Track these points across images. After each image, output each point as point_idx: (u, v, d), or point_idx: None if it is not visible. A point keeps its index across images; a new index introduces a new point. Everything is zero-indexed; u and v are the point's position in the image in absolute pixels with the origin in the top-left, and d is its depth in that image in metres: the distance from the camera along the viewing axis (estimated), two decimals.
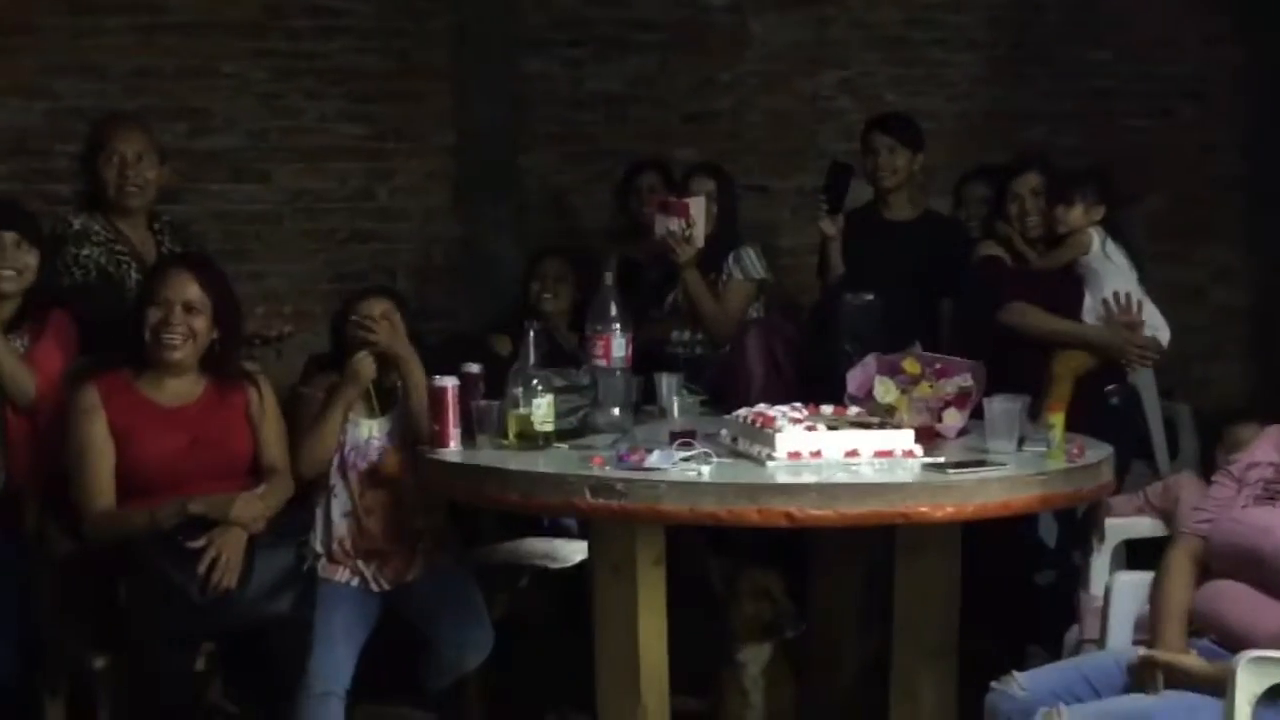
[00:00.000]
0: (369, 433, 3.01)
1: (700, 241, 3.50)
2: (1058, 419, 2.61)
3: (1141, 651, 2.20)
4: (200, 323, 2.75)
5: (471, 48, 4.51)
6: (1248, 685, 1.97)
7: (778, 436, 2.47)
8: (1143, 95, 4.97)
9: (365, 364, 2.94)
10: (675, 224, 3.46)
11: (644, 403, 3.14)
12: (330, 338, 3.16)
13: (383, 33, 4.45)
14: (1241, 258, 5.05)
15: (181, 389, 2.80)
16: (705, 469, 2.42)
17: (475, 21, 4.53)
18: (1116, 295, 3.41)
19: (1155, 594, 2.31)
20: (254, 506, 2.66)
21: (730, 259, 3.59)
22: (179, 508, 2.62)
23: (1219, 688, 2.02)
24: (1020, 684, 2.24)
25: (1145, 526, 3.03)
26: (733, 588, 2.92)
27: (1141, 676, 2.16)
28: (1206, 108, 5.01)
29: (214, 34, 4.32)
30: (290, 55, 4.38)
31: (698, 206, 3.49)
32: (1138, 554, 3.07)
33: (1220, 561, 2.25)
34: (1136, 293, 3.48)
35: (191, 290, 2.74)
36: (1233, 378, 4.94)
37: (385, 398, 3.02)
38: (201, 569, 2.54)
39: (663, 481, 2.35)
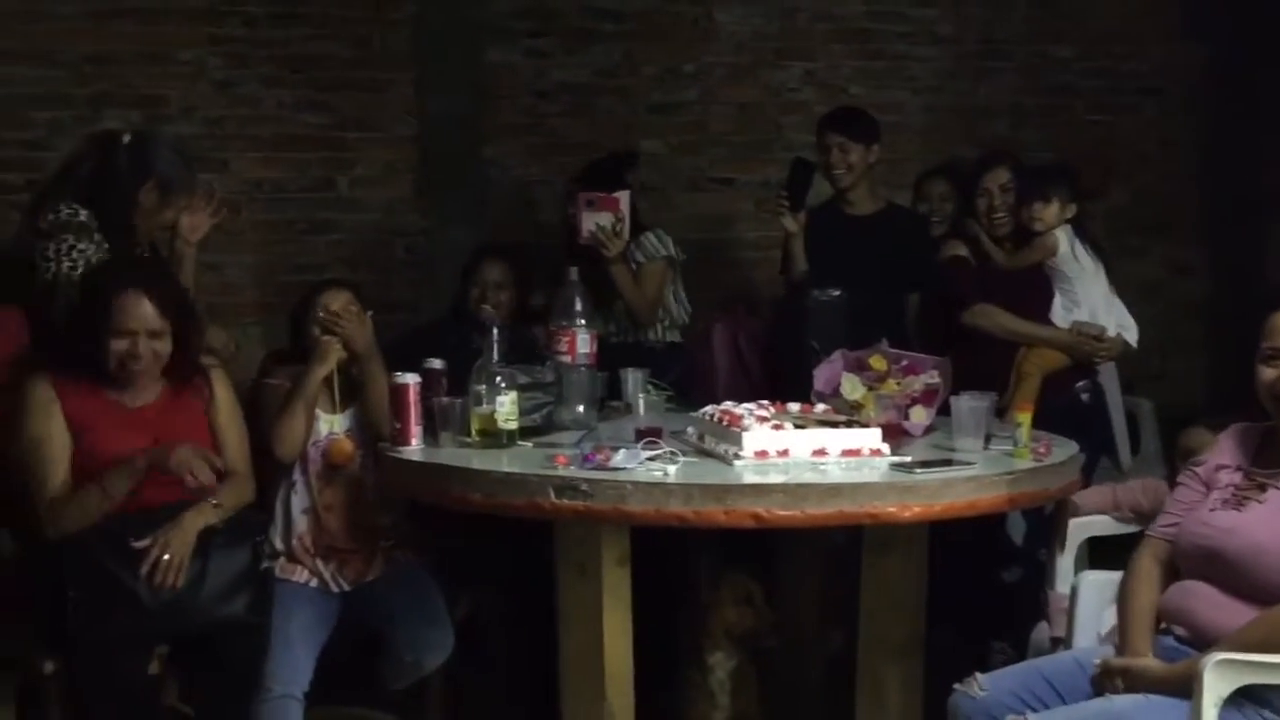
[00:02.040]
0: (330, 428, 2.96)
1: (628, 234, 3.54)
2: (1025, 417, 2.60)
3: (1097, 660, 2.20)
4: (163, 345, 2.68)
5: (432, 37, 4.45)
6: (1215, 687, 1.97)
7: (745, 435, 2.45)
8: (1104, 91, 4.99)
9: (334, 347, 2.89)
10: (606, 219, 3.51)
11: (610, 398, 3.12)
12: (289, 331, 3.11)
13: (341, 20, 4.37)
14: (1199, 253, 5.09)
15: (142, 388, 2.73)
16: (671, 469, 2.39)
17: (436, 10, 4.46)
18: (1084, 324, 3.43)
19: (1122, 597, 2.31)
20: (195, 456, 2.59)
21: (631, 248, 3.64)
22: (127, 469, 2.57)
23: (1180, 689, 2.02)
24: (980, 685, 2.24)
25: (1108, 524, 3.04)
26: (715, 591, 2.88)
27: (1102, 684, 2.16)
28: (1166, 104, 5.05)
29: (169, 20, 4.23)
30: (247, 42, 4.29)
31: (626, 201, 3.52)
32: (1097, 551, 3.09)
33: (1187, 563, 2.25)
34: (1104, 293, 3.50)
35: (151, 318, 2.65)
36: (1190, 373, 4.98)
37: (347, 392, 2.97)
38: (144, 570, 2.49)
39: (628, 482, 2.32)
